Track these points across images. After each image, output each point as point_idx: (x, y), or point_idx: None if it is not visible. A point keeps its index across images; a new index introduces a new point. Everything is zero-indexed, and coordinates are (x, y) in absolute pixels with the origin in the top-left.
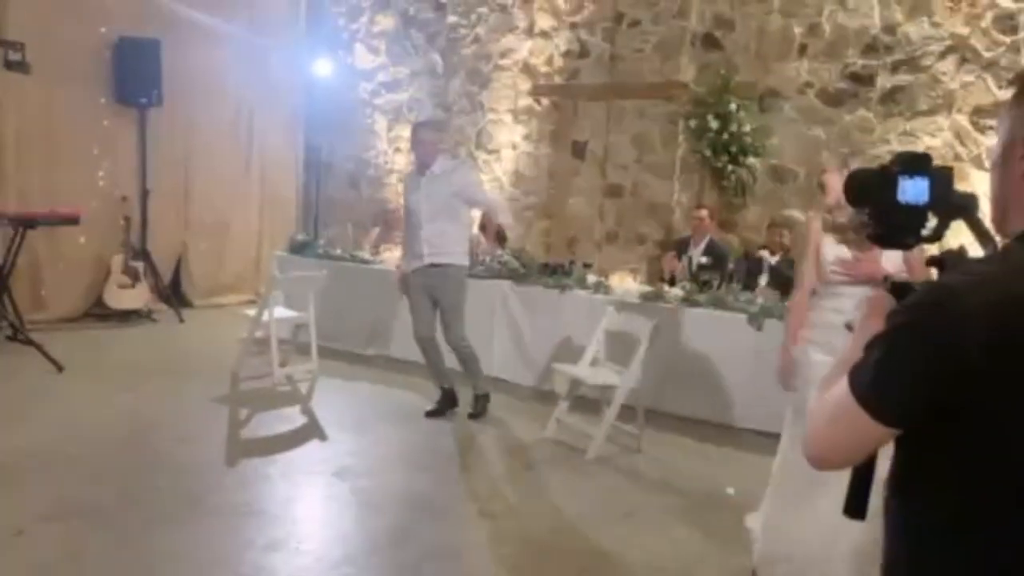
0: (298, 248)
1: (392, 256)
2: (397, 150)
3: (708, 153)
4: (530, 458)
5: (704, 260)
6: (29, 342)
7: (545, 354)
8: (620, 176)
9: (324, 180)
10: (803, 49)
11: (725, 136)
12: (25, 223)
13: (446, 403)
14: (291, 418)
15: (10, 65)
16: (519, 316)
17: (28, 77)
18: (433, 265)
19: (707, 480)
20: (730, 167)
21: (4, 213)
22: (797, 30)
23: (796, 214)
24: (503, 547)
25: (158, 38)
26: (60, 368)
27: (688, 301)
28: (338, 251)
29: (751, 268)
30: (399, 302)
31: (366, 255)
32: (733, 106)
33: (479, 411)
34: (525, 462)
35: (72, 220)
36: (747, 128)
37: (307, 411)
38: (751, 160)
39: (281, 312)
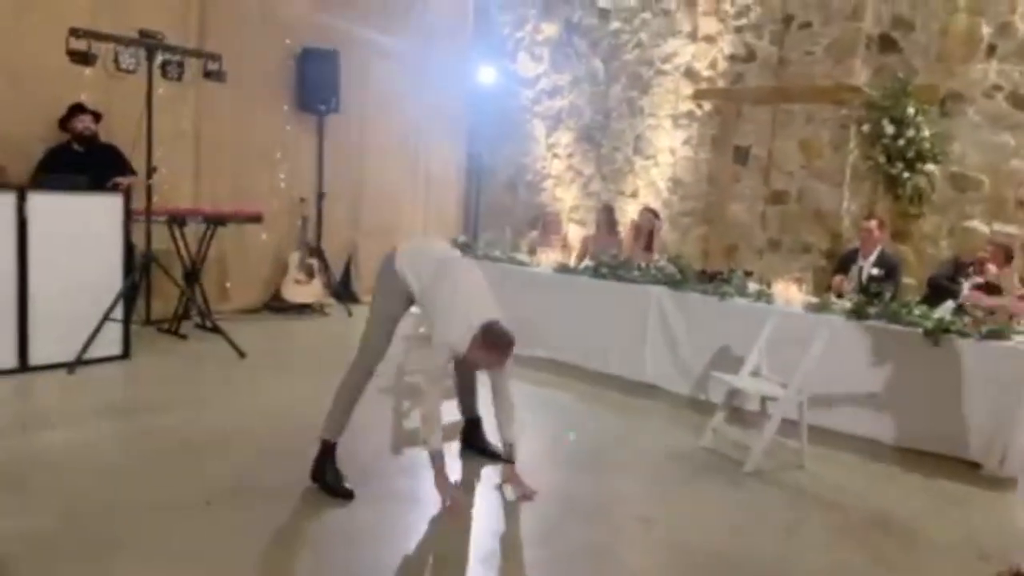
0: (459, 250)
1: (548, 258)
2: (555, 156)
3: (882, 159)
4: (685, 467)
5: (875, 272)
6: (216, 330)
7: (701, 363)
8: (785, 182)
9: (484, 185)
10: (991, 50)
11: (901, 142)
12: (216, 220)
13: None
14: (450, 411)
15: (208, 74)
16: (675, 323)
17: (222, 85)
18: None
19: (870, 500)
20: (906, 174)
21: (200, 211)
22: (985, 30)
23: (978, 225)
24: (653, 553)
25: (337, 49)
26: (243, 355)
27: (857, 314)
28: (496, 253)
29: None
30: (553, 303)
31: (523, 257)
32: (911, 110)
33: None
34: (679, 470)
35: (256, 219)
36: (926, 133)
37: None
38: (929, 167)
39: None
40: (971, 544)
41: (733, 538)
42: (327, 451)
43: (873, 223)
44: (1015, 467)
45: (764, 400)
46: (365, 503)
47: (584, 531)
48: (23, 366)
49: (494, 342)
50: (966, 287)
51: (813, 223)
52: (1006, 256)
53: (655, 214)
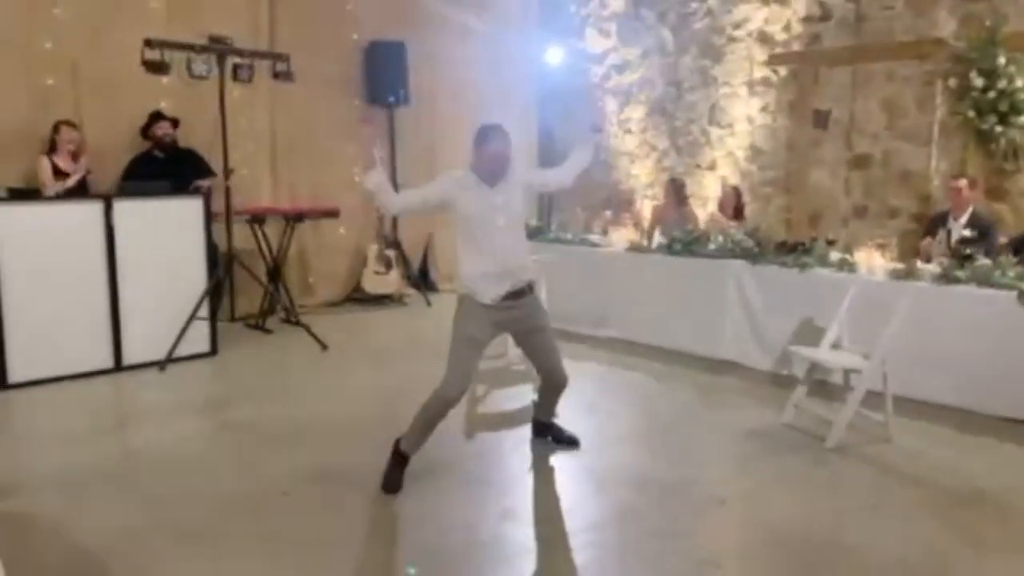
0: (531, 233)
1: (620, 237)
2: (628, 131)
3: (972, 114)
4: (765, 444)
5: (967, 233)
6: (299, 323)
7: (783, 337)
8: (868, 145)
9: (557, 167)
10: None
11: (992, 94)
12: (294, 217)
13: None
14: (524, 396)
15: (277, 75)
16: (754, 297)
17: (293, 84)
18: (516, 293)
19: (961, 473)
20: (999, 128)
21: (279, 209)
22: None
23: None
24: (732, 532)
25: (403, 40)
26: (324, 347)
27: (946, 278)
28: (568, 236)
29: None
30: (626, 283)
31: (595, 238)
32: (1002, 60)
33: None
34: (760, 448)
35: (333, 214)
36: (1019, 84)
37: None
38: None
39: None
40: None
41: (812, 516)
42: (400, 462)
43: (963, 182)
44: None
45: (847, 373)
46: (440, 486)
47: (658, 513)
48: (118, 366)
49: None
50: None
51: (900, 186)
52: None
53: (736, 190)
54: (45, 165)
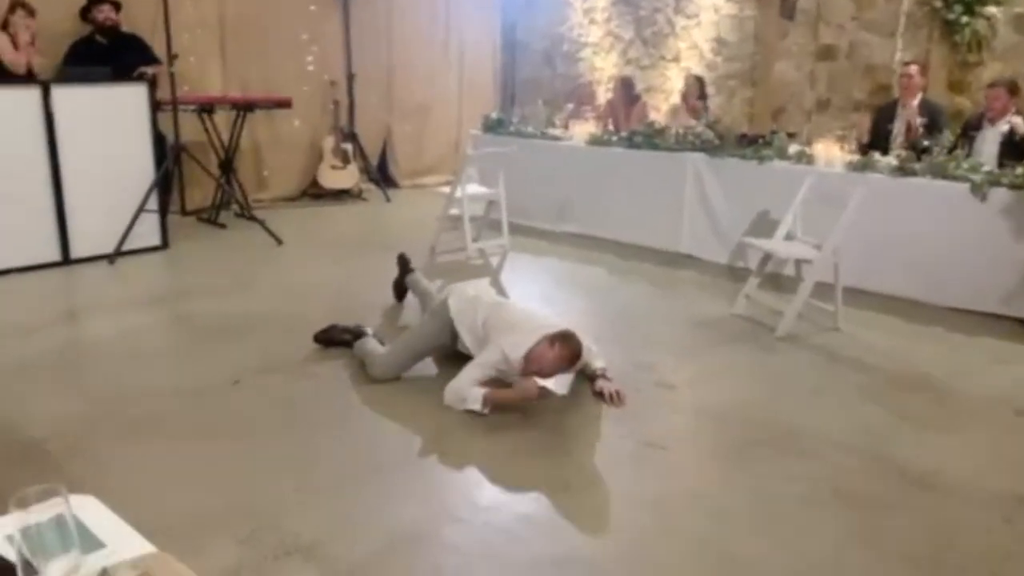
0: (492, 126)
1: (581, 131)
2: (592, 21)
3: (939, 3)
4: (715, 334)
5: (920, 121)
6: (253, 218)
7: (740, 230)
8: (834, 36)
9: (520, 59)
10: None
11: None
12: (244, 107)
13: None
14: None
15: None
16: (712, 190)
17: None
18: None
19: (907, 360)
20: (964, 19)
21: (228, 98)
22: None
23: None
24: (678, 415)
25: None
26: (280, 241)
27: (902, 170)
28: (530, 128)
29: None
30: (586, 177)
31: (557, 132)
32: None
33: None
34: (710, 337)
35: (285, 104)
36: None
37: (496, 283)
38: (990, 9)
39: (474, 189)
40: (1010, 400)
41: (756, 401)
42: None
43: (913, 68)
44: None
45: (799, 264)
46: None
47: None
48: (66, 259)
49: (563, 340)
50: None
51: (864, 79)
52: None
53: (699, 79)
54: (4, 42)
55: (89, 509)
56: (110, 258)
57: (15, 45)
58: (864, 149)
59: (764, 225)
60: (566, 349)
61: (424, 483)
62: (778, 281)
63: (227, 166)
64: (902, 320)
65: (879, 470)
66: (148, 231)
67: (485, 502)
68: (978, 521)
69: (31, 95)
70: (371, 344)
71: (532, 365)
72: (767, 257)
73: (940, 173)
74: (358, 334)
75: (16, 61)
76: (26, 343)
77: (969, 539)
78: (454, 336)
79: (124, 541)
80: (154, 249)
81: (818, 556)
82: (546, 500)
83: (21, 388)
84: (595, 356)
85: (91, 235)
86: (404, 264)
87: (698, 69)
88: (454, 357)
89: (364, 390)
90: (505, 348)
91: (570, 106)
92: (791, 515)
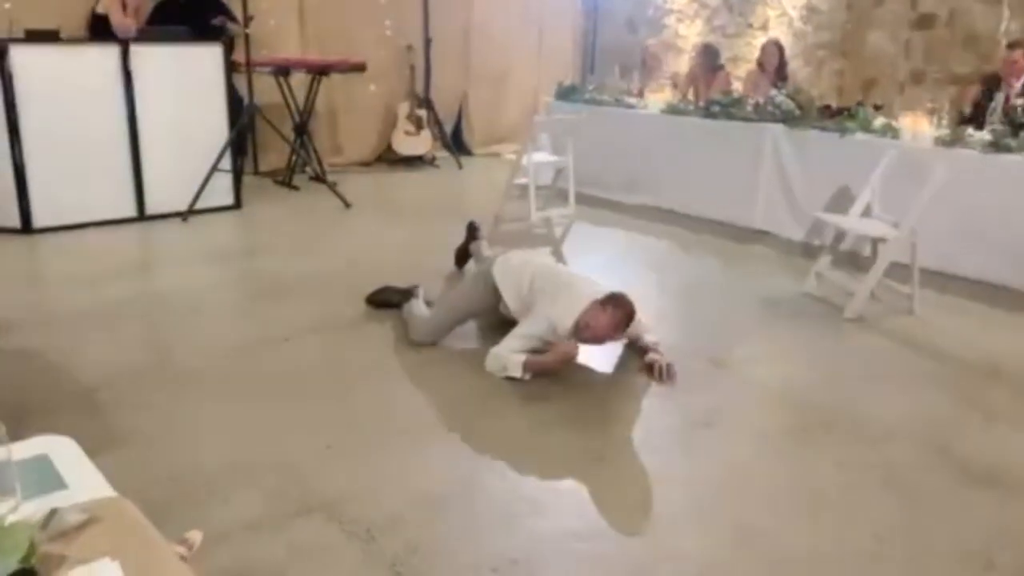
0: (565, 93)
1: (657, 99)
2: None
3: None
4: (781, 312)
5: (1021, 102)
6: (324, 181)
7: (817, 206)
8: (934, 3)
9: (601, 25)
10: None
11: None
12: (319, 71)
13: None
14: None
15: None
16: (790, 164)
17: None
18: None
19: (986, 348)
20: None
21: (303, 61)
22: None
23: None
24: (730, 395)
25: None
26: (348, 205)
27: (995, 146)
28: (604, 96)
29: None
30: (660, 147)
31: (632, 100)
32: None
33: None
34: (775, 316)
35: (360, 68)
36: None
37: (558, 253)
38: None
39: (541, 156)
40: None
41: (814, 383)
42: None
43: (1018, 53)
44: None
45: (875, 243)
46: (448, 343)
47: None
48: (141, 215)
49: (615, 302)
50: None
51: (964, 49)
52: None
53: (778, 45)
54: (115, 5)
55: (64, 451)
56: (183, 215)
57: (124, 8)
58: (961, 122)
59: (843, 201)
60: (619, 310)
61: (454, 449)
62: (856, 261)
63: (301, 129)
64: (986, 306)
65: (938, 463)
66: (222, 191)
67: (514, 470)
68: None
69: (111, 53)
70: (417, 307)
71: (585, 332)
72: (841, 234)
73: None
74: (409, 295)
75: (124, 25)
76: (93, 293)
77: None
78: (497, 299)
79: (88, 485)
80: (227, 208)
81: (855, 547)
82: (577, 472)
83: (82, 336)
84: (646, 329)
85: (167, 193)
86: (472, 231)
87: (786, 38)
88: (498, 325)
89: (408, 354)
90: (552, 318)
91: (635, 74)
92: (833, 503)
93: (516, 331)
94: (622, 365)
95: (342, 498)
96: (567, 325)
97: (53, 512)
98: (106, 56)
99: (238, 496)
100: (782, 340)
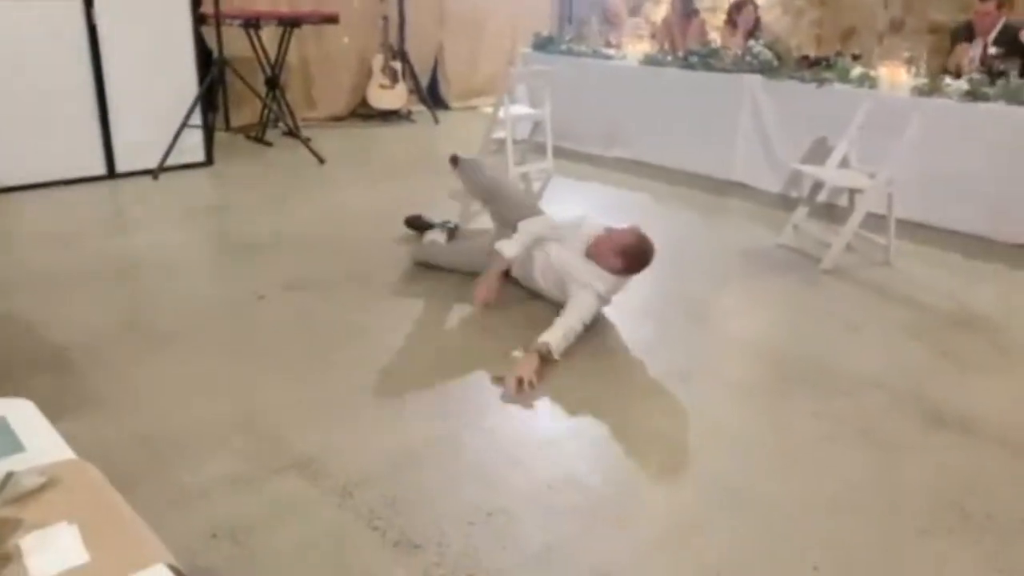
0: (542, 44)
1: (635, 51)
2: None
3: None
4: (757, 263)
5: (994, 51)
6: (298, 136)
7: (795, 157)
8: None
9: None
10: None
11: None
12: (291, 23)
13: None
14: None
15: None
16: (768, 115)
17: None
18: None
19: (961, 298)
20: None
21: (273, 13)
22: None
23: None
24: (706, 347)
25: None
26: (322, 161)
27: (973, 95)
28: (582, 47)
29: None
30: (638, 99)
31: (610, 52)
32: None
33: None
34: (749, 267)
35: (332, 19)
36: None
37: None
38: None
39: (518, 110)
40: None
41: (790, 335)
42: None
43: (990, 4)
44: None
45: (852, 194)
46: (429, 295)
47: (630, 326)
48: (111, 173)
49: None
50: None
51: None
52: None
53: (755, 4)
54: None
55: (22, 414)
56: (154, 173)
57: None
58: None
59: (820, 152)
60: (632, 241)
61: (430, 406)
62: (832, 212)
63: (273, 83)
64: (961, 256)
65: (913, 411)
66: (193, 147)
67: (487, 426)
68: (1012, 469)
69: (72, 6)
70: (439, 236)
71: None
72: (818, 185)
73: (1015, 99)
74: (440, 226)
75: None
76: (64, 253)
77: (998, 487)
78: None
79: (47, 449)
80: (199, 165)
81: (830, 496)
82: (553, 427)
83: (54, 296)
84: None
85: (136, 150)
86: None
87: None
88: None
89: (384, 312)
90: (597, 287)
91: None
92: (810, 453)
93: (574, 316)
94: (596, 323)
95: (316, 456)
96: (605, 288)
97: (9, 476)
98: (67, 10)
99: (212, 455)
100: (759, 292)
